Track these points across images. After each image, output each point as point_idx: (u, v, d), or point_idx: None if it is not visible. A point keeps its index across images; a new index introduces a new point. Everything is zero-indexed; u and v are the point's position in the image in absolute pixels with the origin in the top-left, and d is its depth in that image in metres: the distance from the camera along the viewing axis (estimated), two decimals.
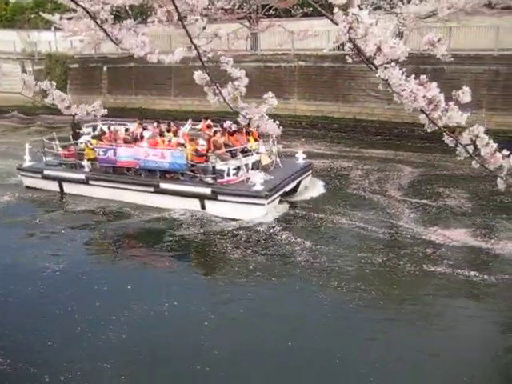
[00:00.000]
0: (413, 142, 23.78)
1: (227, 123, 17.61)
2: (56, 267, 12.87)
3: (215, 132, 17.33)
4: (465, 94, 3.18)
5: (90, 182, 17.92)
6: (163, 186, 16.54)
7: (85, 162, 18.14)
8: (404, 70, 3.15)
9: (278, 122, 4.31)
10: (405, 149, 23.19)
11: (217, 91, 3.88)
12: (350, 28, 3.04)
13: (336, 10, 3.07)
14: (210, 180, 16.05)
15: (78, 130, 19.88)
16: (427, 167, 20.33)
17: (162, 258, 13.70)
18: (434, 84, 3.15)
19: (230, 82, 3.84)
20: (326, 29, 24.76)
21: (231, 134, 17.09)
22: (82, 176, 18.08)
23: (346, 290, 11.39)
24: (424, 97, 3.19)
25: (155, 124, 19.46)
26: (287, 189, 16.59)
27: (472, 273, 11.89)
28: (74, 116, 21.93)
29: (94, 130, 19.80)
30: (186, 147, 16.48)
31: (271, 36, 29.73)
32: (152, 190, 16.71)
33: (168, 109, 31.32)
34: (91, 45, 33.82)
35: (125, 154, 17.10)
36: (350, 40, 3.11)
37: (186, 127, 18.81)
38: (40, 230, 15.61)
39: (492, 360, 9.30)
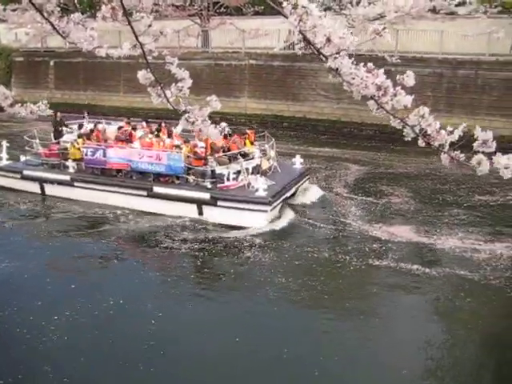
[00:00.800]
0: (360, 141, 24.31)
1: (222, 125, 16.86)
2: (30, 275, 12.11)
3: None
4: (409, 78, 3.35)
5: (76, 184, 16.83)
6: (157, 189, 15.69)
7: (69, 163, 17.01)
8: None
9: (223, 125, 4.35)
10: (352, 147, 23.67)
11: (160, 92, 3.86)
12: (300, 20, 3.12)
13: (285, 3, 3.15)
14: (208, 184, 15.22)
15: (60, 128, 18.71)
16: (373, 165, 20.85)
17: (153, 267, 13.14)
18: (381, 71, 3.28)
19: (174, 84, 3.83)
20: (277, 28, 25.04)
21: (225, 136, 16.20)
22: (66, 177, 16.94)
23: (293, 286, 11.62)
24: (373, 83, 3.31)
25: (144, 123, 18.52)
26: (288, 195, 15.95)
27: (415, 267, 12.37)
28: (55, 113, 20.83)
29: (80, 127, 18.55)
30: (181, 149, 15.72)
31: (222, 34, 29.72)
32: (145, 193, 15.82)
33: (117, 105, 30.85)
34: (37, 38, 32.79)
35: (116, 155, 16.16)
36: (300, 32, 3.20)
37: (179, 128, 17.53)
38: (18, 236, 14.57)
39: (431, 351, 9.67)
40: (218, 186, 15.25)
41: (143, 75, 3.88)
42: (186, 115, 4.01)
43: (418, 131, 3.43)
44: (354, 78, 3.23)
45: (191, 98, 3.97)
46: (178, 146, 15.93)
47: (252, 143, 16.81)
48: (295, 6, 3.04)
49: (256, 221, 14.56)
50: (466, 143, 3.60)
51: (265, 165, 16.35)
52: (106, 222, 15.32)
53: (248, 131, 17.09)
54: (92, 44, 3.90)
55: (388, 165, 20.39)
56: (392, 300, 11.40)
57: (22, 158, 18.23)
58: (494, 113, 22.95)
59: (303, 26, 3.09)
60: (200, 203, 15.08)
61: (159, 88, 3.91)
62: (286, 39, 25.56)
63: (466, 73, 23.76)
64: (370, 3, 25.23)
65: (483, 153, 3.54)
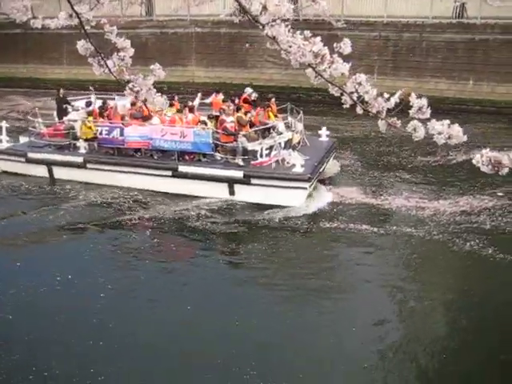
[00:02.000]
0: (309, 106, 24.37)
1: (248, 90, 15.89)
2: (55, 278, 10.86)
3: (238, 108, 15.12)
4: (345, 45, 3.37)
5: (89, 166, 15.48)
6: (183, 168, 14.50)
7: (80, 143, 15.67)
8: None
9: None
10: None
11: (102, 62, 3.76)
12: None
13: None
14: (240, 162, 14.18)
15: (64, 106, 17.16)
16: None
17: (183, 254, 12.50)
18: (318, 38, 3.29)
19: (116, 53, 3.73)
20: None
21: (251, 103, 14.88)
22: (78, 159, 15.52)
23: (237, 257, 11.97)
24: (310, 51, 3.32)
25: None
26: (321, 170, 14.98)
27: (364, 226, 12.76)
28: (58, 90, 18.12)
29: (88, 105, 17.05)
30: (206, 124, 14.76)
31: (166, 1, 29.07)
32: (169, 173, 14.66)
33: (61, 78, 29.89)
34: None
35: (135, 133, 14.95)
36: (236, 0, 3.18)
37: (196, 102, 16.72)
38: (30, 227, 13.31)
39: (381, 307, 10.03)
40: (252, 163, 14.21)
41: (82, 45, 3.77)
42: (130, 84, 3.93)
43: (355, 98, 3.46)
44: (290, 46, 3.24)
45: (137, 69, 3.90)
46: (203, 122, 14.93)
47: (275, 115, 15.90)
48: None
49: (294, 199, 13.74)
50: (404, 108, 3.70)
51: (295, 139, 15.46)
52: (128, 206, 14.24)
53: (271, 102, 16.07)
54: (26, 15, 3.75)
55: (335, 129, 20.51)
56: (345, 260, 11.78)
57: (22, 140, 16.98)
58: (439, 75, 23.43)
59: None
60: (232, 182, 14.05)
61: (100, 58, 3.81)
62: (231, 5, 25.21)
63: (411, 36, 24.06)
64: None
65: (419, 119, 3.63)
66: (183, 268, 11.70)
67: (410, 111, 3.76)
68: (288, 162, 14.04)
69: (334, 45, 3.54)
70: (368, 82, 3.60)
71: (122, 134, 15.06)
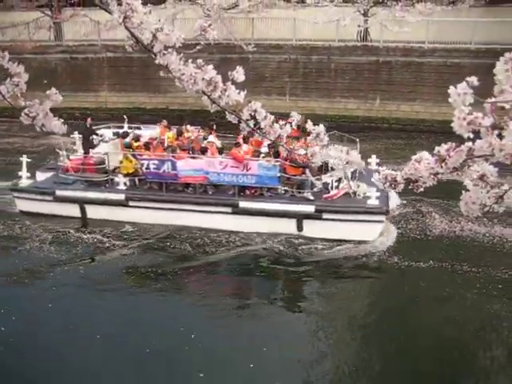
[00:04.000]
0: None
1: (293, 115, 15.19)
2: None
3: (298, 137, 13.59)
4: (239, 73, 3.46)
5: (131, 204, 14.12)
6: (244, 204, 13.45)
7: (120, 178, 14.27)
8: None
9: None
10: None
11: None
12: (126, 18, 3.14)
13: None
14: (310, 196, 13.31)
15: (91, 137, 15.70)
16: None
17: (250, 300, 11.64)
18: (211, 66, 3.36)
19: (9, 79, 3.65)
20: None
21: (297, 129, 13.25)
22: (119, 196, 14.11)
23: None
24: (203, 79, 3.40)
25: (190, 126, 16.04)
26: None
27: (439, 263, 12.43)
28: (85, 119, 16.25)
29: (125, 136, 15.46)
30: (264, 156, 13.70)
31: (76, 26, 28.53)
32: (229, 210, 13.54)
33: None
34: None
35: (189, 167, 13.64)
36: (127, 29, 3.22)
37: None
38: (77, 281, 11.76)
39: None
40: (324, 196, 13.31)
41: None
42: (26, 110, 3.83)
43: (252, 125, 3.56)
44: (183, 74, 3.33)
45: (45, 95, 3.79)
46: (260, 152, 13.99)
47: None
48: (120, 3, 3.07)
49: (370, 233, 13.07)
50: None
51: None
52: (184, 247, 13.09)
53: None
54: None
55: None
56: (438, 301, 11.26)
57: (40, 176, 15.17)
58: (348, 95, 24.40)
59: (129, 23, 3.12)
60: (301, 217, 13.18)
61: None
62: None
63: (319, 58, 24.90)
64: None
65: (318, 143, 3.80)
66: (257, 317, 10.78)
67: (308, 138, 3.94)
68: (359, 194, 13.21)
69: (229, 73, 3.66)
70: (262, 107, 3.74)
71: (174, 169, 13.73)
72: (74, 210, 14.32)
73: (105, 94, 27.45)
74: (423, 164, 2.82)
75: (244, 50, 23.85)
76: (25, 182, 14.96)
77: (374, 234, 13.10)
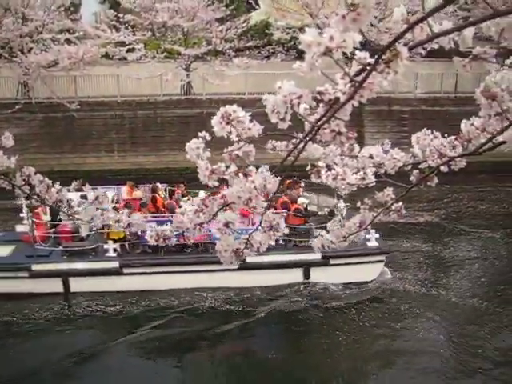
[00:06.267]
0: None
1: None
2: None
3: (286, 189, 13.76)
4: (7, 139, 3.44)
5: (126, 271, 12.85)
6: (251, 259, 11.60)
7: (109, 245, 12.86)
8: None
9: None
10: None
11: None
12: None
13: None
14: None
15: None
16: None
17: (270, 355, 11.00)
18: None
19: None
20: None
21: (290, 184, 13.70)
22: (112, 264, 12.79)
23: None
24: None
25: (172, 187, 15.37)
26: None
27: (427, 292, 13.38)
28: (52, 183, 14.17)
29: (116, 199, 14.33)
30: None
31: None
32: (236, 266, 11.89)
33: None
34: None
35: None
36: None
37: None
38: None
39: None
40: None
41: None
42: None
43: (27, 191, 3.49)
44: None
45: None
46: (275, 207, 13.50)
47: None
48: None
49: (372, 274, 13.61)
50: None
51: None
52: (190, 311, 12.23)
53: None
54: None
55: None
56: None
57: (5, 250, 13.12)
58: (176, 147, 24.84)
59: None
60: (307, 266, 13.27)
61: None
62: None
63: (145, 113, 25.23)
64: (42, 50, 25.10)
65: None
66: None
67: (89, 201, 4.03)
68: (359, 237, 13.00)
69: (2, 137, 3.60)
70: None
71: None
72: (55, 285, 12.85)
73: None
74: (186, 216, 3.02)
75: (69, 109, 23.41)
76: None
77: (375, 274, 13.77)
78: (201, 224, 3.11)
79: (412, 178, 2.90)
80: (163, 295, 12.81)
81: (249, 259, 12.50)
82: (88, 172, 23.09)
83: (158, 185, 15.00)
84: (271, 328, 12.20)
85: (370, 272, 13.73)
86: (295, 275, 13.43)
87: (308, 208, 14.41)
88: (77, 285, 12.94)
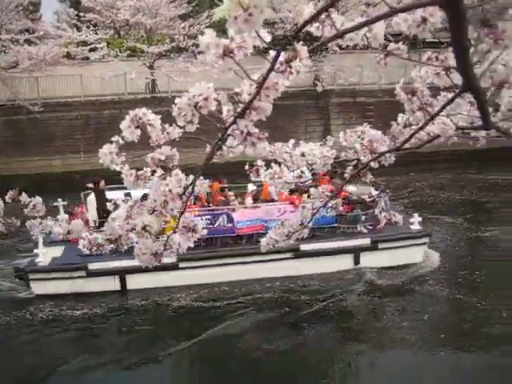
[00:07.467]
0: None
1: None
2: None
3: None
4: None
5: (182, 266, 12.80)
6: (305, 247, 13.21)
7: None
8: None
9: None
10: None
11: None
12: None
13: None
14: (364, 229, 13.86)
15: (105, 203, 12.67)
16: None
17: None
18: None
19: None
20: None
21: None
22: (169, 259, 11.10)
23: None
24: None
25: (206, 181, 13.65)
26: None
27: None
28: (97, 182, 14.07)
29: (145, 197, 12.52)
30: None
31: None
32: (290, 255, 13.24)
33: None
34: None
35: (246, 218, 13.40)
36: None
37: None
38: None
39: None
40: (378, 227, 13.93)
41: None
42: None
43: None
44: None
45: None
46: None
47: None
48: None
49: (417, 256, 14.11)
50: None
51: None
52: (248, 301, 12.42)
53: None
54: None
55: None
56: None
57: (41, 251, 12.88)
58: (142, 146, 24.61)
59: None
60: (357, 251, 13.73)
61: None
62: None
63: (110, 112, 24.84)
64: (1, 51, 24.60)
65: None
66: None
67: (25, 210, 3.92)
68: (397, 222, 13.41)
69: None
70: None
71: (230, 221, 13.32)
72: (111, 284, 13.01)
73: None
74: (117, 223, 2.94)
75: (31, 111, 22.98)
76: (44, 260, 12.90)
77: (420, 256, 14.22)
78: (132, 229, 3.01)
79: (346, 175, 2.90)
80: (220, 288, 12.95)
81: (303, 247, 13.36)
82: (56, 174, 22.81)
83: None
84: (331, 316, 12.16)
85: (415, 254, 14.18)
86: (346, 261, 13.80)
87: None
88: (133, 282, 13.03)
